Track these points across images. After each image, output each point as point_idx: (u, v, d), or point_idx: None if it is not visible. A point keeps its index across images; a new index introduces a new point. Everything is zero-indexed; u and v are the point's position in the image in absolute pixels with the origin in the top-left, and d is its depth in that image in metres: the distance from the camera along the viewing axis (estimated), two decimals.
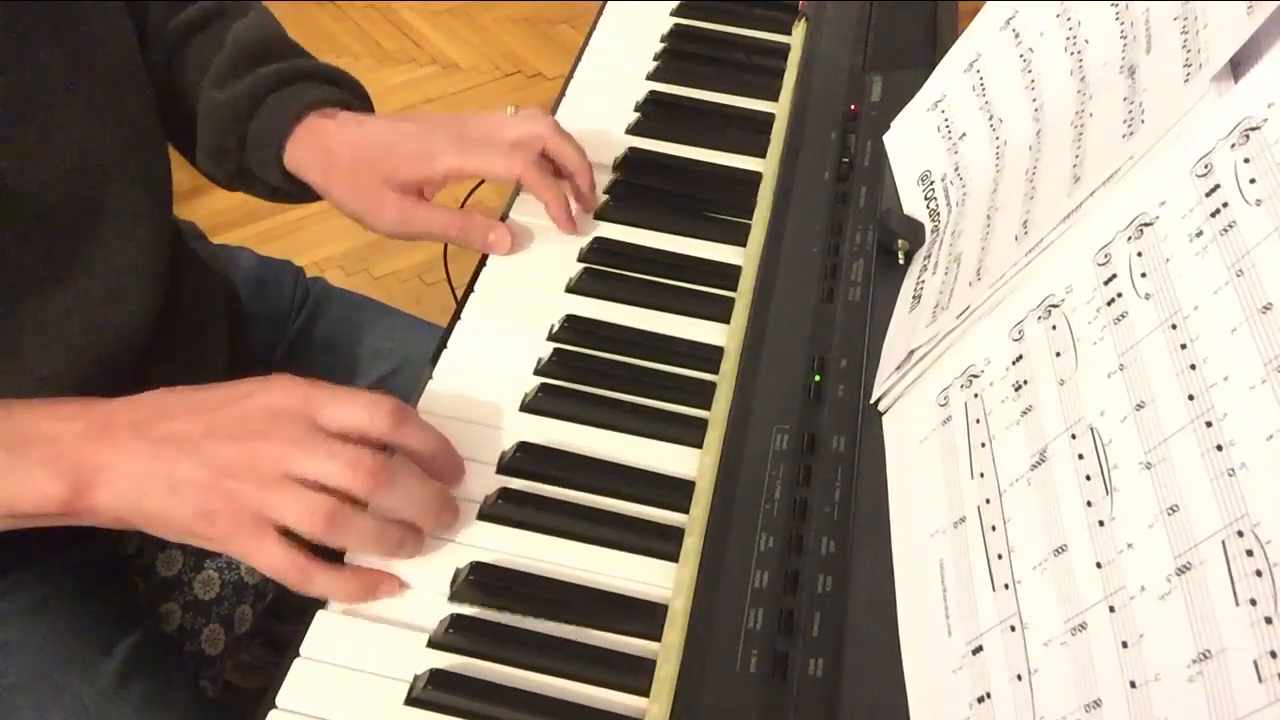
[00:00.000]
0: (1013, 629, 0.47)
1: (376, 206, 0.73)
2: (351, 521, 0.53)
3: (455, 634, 0.53)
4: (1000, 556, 0.49)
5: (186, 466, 0.52)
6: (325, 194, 0.75)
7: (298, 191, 0.77)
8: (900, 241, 0.70)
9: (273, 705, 0.51)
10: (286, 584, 0.53)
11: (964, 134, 0.69)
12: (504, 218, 0.77)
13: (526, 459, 0.62)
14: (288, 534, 0.53)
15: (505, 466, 0.62)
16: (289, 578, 0.53)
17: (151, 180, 0.72)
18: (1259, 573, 0.38)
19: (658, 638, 0.54)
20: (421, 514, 0.56)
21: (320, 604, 0.55)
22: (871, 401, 0.63)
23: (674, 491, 0.61)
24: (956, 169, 0.70)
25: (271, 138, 0.74)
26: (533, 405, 0.65)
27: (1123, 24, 0.60)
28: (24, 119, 0.62)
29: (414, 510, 0.56)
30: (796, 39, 0.94)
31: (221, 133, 0.75)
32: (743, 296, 0.71)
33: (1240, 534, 0.39)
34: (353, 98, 0.78)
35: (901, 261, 0.70)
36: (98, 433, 0.54)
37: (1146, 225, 0.49)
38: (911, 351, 0.61)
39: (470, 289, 0.73)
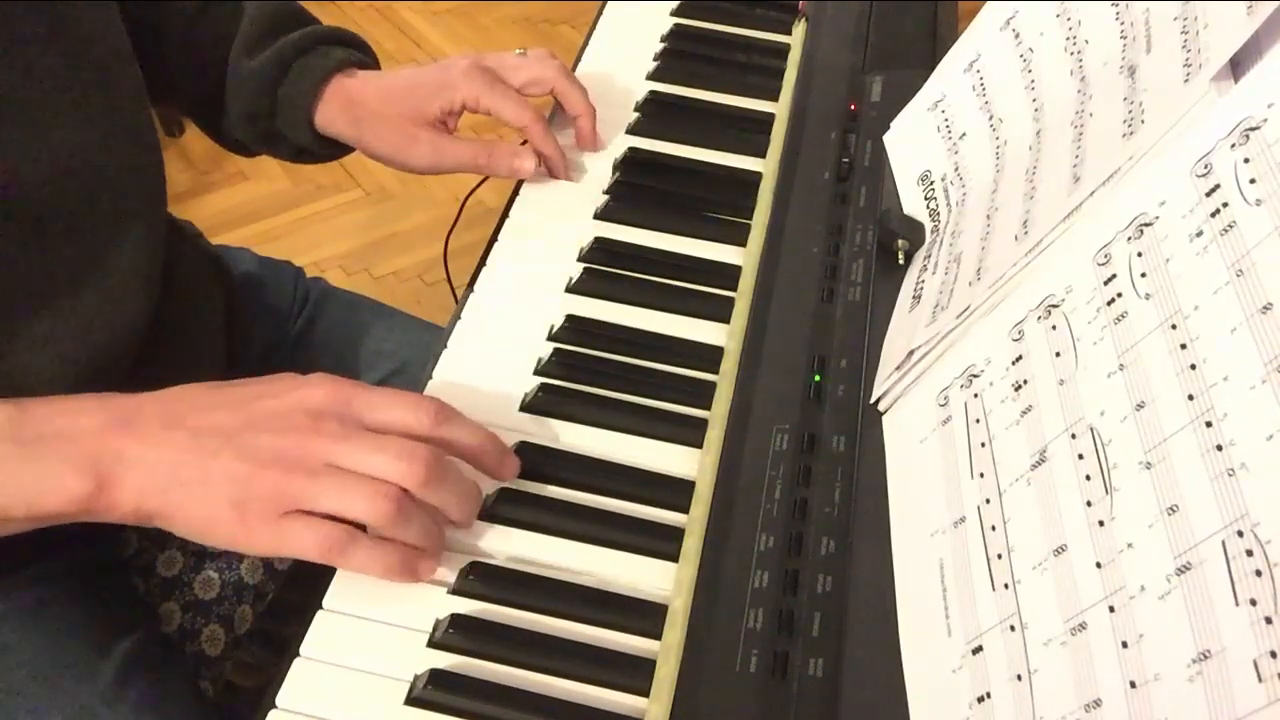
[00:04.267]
0: (1012, 629, 0.47)
1: (409, 144, 0.79)
2: (415, 512, 0.53)
3: (455, 634, 0.54)
4: (1000, 556, 0.49)
5: (226, 457, 0.51)
6: (358, 144, 0.81)
7: (323, 152, 0.83)
8: (900, 241, 0.70)
9: (273, 705, 0.51)
10: (326, 559, 0.52)
11: (964, 134, 0.69)
12: (504, 218, 0.78)
13: (526, 459, 0.62)
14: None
15: None
16: (330, 547, 0.51)
17: (145, 180, 0.72)
18: (1259, 573, 0.38)
19: (658, 638, 0.54)
20: (464, 505, 0.56)
21: (320, 604, 0.55)
22: (871, 401, 0.63)
23: (674, 491, 0.61)
24: (956, 169, 0.70)
25: (301, 100, 0.79)
26: (533, 405, 0.65)
27: (1123, 24, 0.60)
28: (16, 120, 0.62)
29: (459, 502, 0.56)
30: (796, 39, 0.94)
31: (254, 99, 0.80)
32: (743, 296, 0.71)
33: (1240, 534, 0.39)
34: (365, 56, 0.83)
35: (901, 261, 0.70)
36: (121, 426, 0.53)
37: (1146, 225, 0.49)
38: (911, 351, 0.61)
39: (470, 289, 0.73)
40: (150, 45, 0.79)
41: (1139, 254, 0.48)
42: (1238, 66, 0.49)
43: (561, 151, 0.80)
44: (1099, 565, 0.44)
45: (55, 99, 0.64)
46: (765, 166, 0.82)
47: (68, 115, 0.65)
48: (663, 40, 0.95)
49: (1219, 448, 0.41)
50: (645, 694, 0.52)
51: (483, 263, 0.74)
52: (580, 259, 0.74)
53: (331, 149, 0.83)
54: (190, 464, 0.52)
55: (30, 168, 0.63)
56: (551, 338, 0.69)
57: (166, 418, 0.53)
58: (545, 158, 0.80)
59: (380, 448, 0.52)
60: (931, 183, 0.71)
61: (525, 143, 0.80)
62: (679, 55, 0.93)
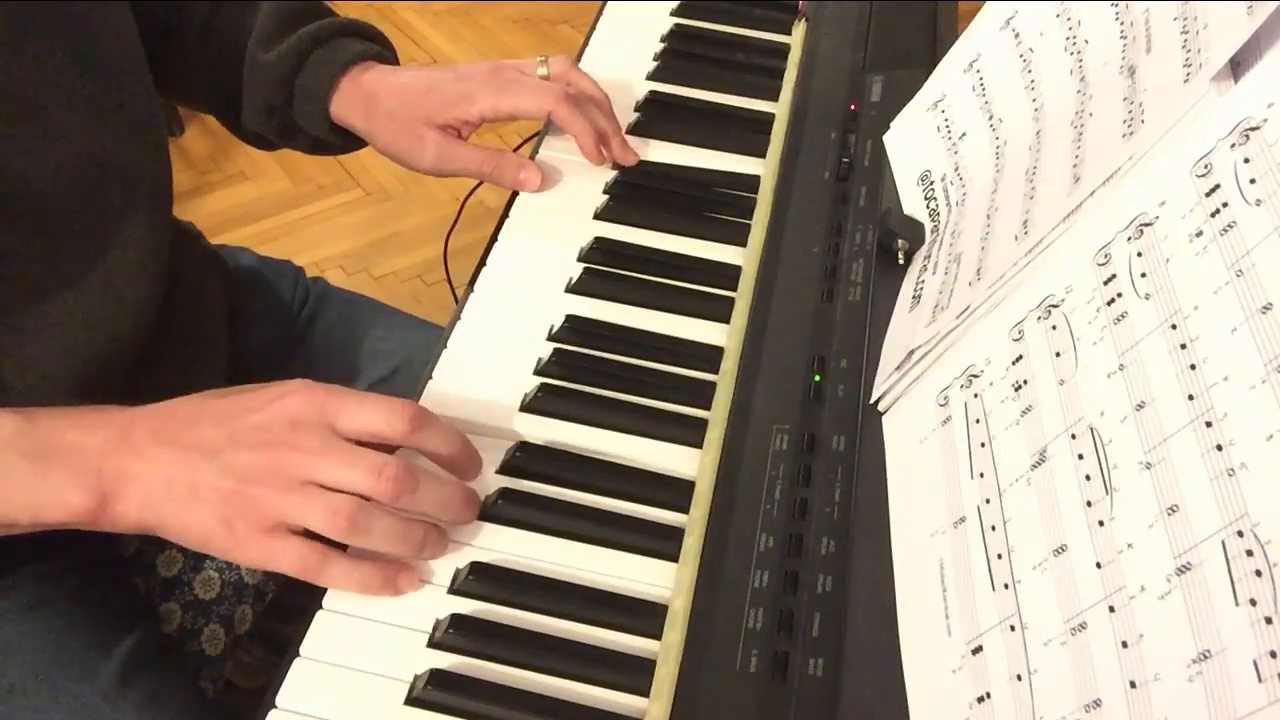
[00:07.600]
0: (1012, 629, 0.47)
1: (418, 144, 0.78)
2: (375, 520, 0.53)
3: (455, 634, 0.54)
4: (1000, 556, 0.49)
5: (210, 474, 0.53)
6: (368, 138, 0.81)
7: (340, 143, 0.83)
8: (900, 241, 0.70)
9: (273, 705, 0.51)
10: (304, 576, 0.53)
11: (964, 134, 0.69)
12: (504, 218, 0.78)
13: (526, 459, 0.62)
14: (306, 535, 0.53)
15: (505, 467, 0.62)
16: (306, 566, 0.53)
17: (151, 178, 0.72)
18: (1259, 573, 0.38)
19: (658, 638, 0.54)
20: (445, 513, 0.57)
21: (320, 604, 0.55)
22: (871, 401, 0.63)
23: (674, 491, 0.61)
24: (956, 169, 0.70)
25: (317, 92, 0.79)
26: (533, 405, 0.65)
27: (1123, 24, 0.60)
28: (25, 117, 0.62)
29: (437, 510, 0.56)
30: (796, 39, 0.94)
31: (271, 91, 0.80)
32: (743, 296, 0.71)
33: (1240, 534, 0.39)
34: (383, 50, 0.83)
35: (901, 261, 0.70)
36: (122, 442, 0.54)
37: (1146, 225, 0.49)
38: (911, 351, 0.61)
39: (470, 289, 0.73)
40: (168, 44, 0.80)
41: (1139, 254, 0.48)
42: (1238, 66, 0.49)
43: (593, 130, 0.79)
44: (1099, 565, 0.44)
45: (63, 97, 0.64)
46: (765, 166, 0.82)
47: (75, 113, 0.65)
48: (663, 40, 0.95)
49: (1219, 448, 0.41)
50: (645, 694, 0.52)
51: (483, 263, 0.74)
52: (580, 259, 0.74)
53: (348, 140, 0.83)
54: (180, 481, 0.53)
55: (37, 164, 0.63)
56: (551, 338, 0.69)
57: (159, 434, 0.54)
58: (575, 137, 0.78)
59: (352, 463, 0.53)
60: (931, 183, 0.71)
61: (533, 155, 0.80)
62: (679, 55, 0.93)
